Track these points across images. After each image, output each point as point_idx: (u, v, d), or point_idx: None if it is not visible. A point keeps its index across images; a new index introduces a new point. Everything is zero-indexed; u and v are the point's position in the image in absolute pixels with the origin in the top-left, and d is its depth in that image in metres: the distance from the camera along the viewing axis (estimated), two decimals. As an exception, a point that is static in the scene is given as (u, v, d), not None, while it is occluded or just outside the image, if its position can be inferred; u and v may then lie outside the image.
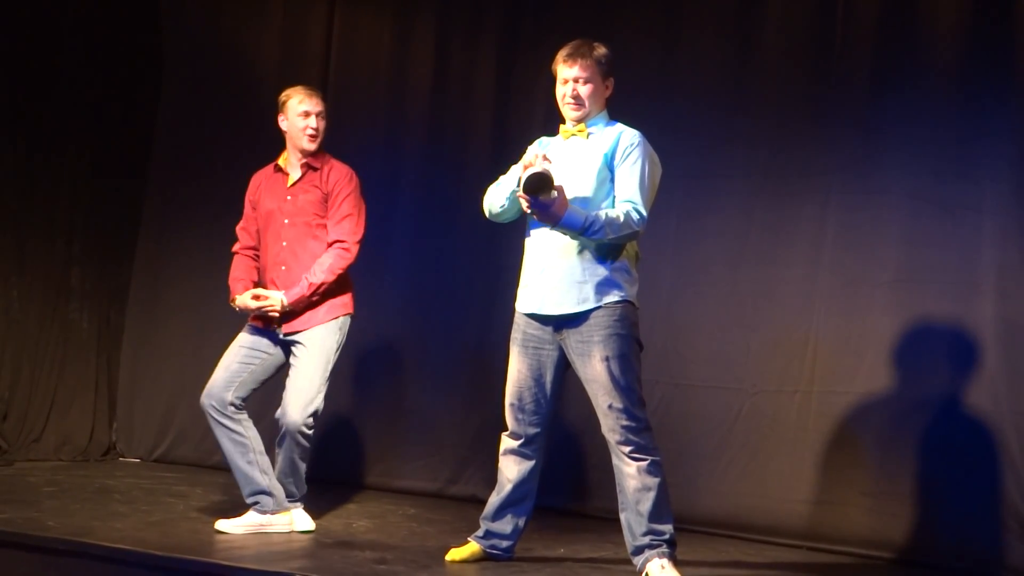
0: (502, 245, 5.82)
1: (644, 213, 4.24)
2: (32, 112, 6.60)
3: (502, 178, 4.45)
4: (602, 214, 4.20)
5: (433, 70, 6.47)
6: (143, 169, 7.12)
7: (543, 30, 6.09)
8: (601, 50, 4.38)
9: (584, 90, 4.36)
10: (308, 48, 6.77)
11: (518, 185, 4.21)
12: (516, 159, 4.45)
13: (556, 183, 4.13)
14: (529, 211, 4.20)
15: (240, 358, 4.91)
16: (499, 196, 4.43)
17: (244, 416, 4.87)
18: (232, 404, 4.84)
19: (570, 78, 4.37)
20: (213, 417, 4.84)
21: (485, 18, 6.38)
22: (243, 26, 7.02)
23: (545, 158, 4.19)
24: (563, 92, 4.40)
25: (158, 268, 7.04)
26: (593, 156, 4.33)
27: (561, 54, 4.40)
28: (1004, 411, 5.01)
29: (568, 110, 4.41)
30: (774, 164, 5.58)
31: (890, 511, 5.15)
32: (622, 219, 4.20)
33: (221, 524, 4.80)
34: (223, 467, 6.47)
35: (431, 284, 6.36)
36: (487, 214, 4.50)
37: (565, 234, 4.24)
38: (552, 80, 4.47)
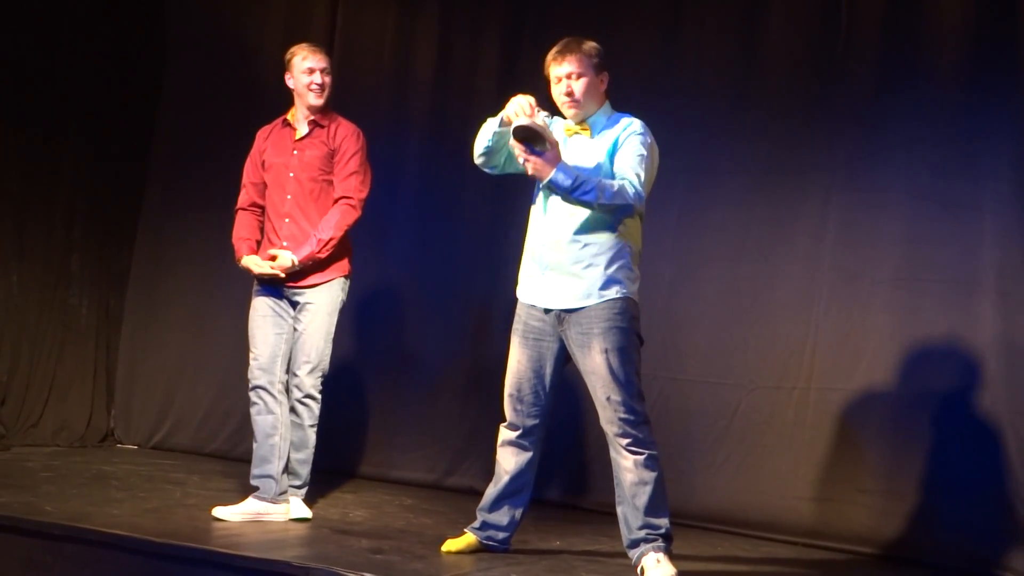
0: (502, 237, 5.82)
1: (641, 190, 4.19)
2: (33, 98, 6.58)
3: (489, 119, 4.34)
4: (595, 178, 4.15)
5: (436, 61, 6.45)
6: (144, 155, 7.11)
7: (546, 22, 6.07)
8: (590, 44, 4.32)
9: (578, 85, 4.29)
10: (311, 38, 6.70)
11: (502, 125, 4.18)
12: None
13: (549, 138, 4.09)
14: (521, 161, 4.16)
15: (274, 329, 4.92)
16: (483, 136, 4.32)
17: (285, 398, 4.90)
18: (282, 381, 4.89)
19: (563, 75, 4.30)
20: (260, 394, 4.86)
21: (488, 9, 6.37)
22: (246, 12, 7.00)
23: (533, 113, 4.14)
24: (558, 91, 4.33)
25: (158, 254, 7.03)
26: (598, 153, 4.30)
27: (551, 53, 4.34)
28: (1002, 410, 5.01)
29: (565, 108, 4.34)
30: (776, 160, 5.57)
31: (887, 508, 5.15)
32: (616, 187, 4.14)
33: (218, 511, 4.79)
34: (221, 455, 6.55)
35: (431, 275, 6.35)
36: (475, 159, 4.40)
37: (555, 193, 4.19)
38: (548, 84, 4.39)
